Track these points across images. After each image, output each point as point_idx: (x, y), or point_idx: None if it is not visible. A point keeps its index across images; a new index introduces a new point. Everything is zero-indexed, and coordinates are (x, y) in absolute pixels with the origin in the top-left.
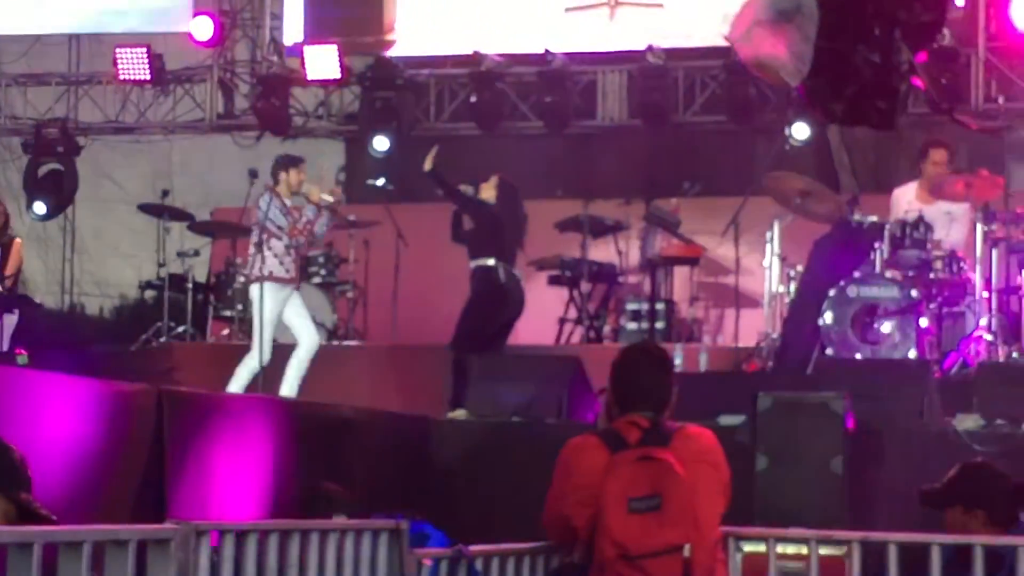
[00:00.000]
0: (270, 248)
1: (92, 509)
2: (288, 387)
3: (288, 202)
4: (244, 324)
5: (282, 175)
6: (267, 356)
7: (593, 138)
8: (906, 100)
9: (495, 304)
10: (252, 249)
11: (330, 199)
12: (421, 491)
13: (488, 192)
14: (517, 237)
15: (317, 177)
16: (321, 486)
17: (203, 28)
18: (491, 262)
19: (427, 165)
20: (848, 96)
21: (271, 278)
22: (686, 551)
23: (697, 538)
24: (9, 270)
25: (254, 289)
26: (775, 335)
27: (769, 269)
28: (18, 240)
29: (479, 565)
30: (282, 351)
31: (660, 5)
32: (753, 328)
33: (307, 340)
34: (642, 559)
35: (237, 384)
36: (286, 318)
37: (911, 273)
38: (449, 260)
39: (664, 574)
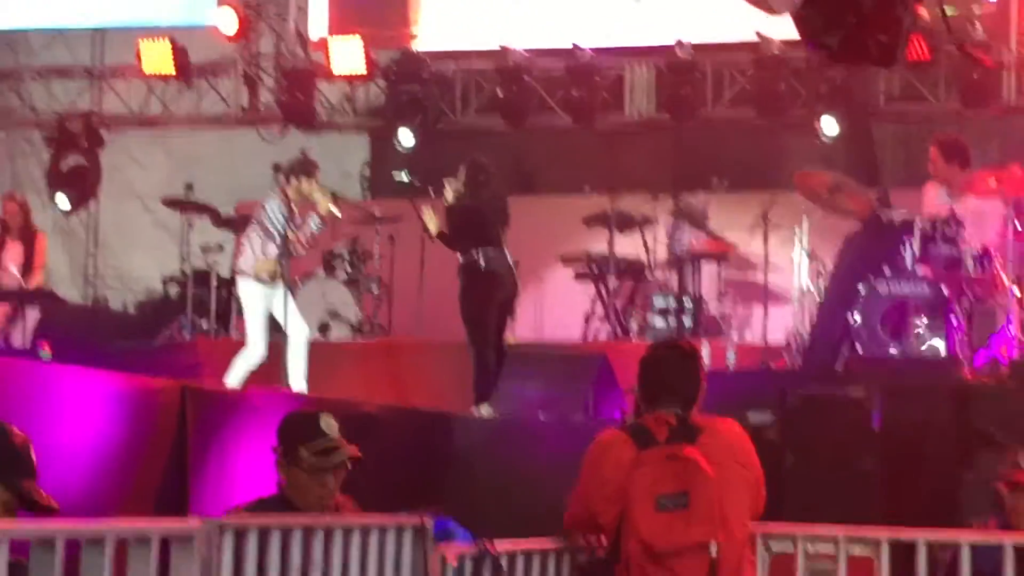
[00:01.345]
0: (263, 249)
1: (115, 504)
2: (296, 382)
3: (295, 207)
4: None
5: (293, 180)
6: (262, 351)
7: (621, 133)
8: (909, 34)
9: (482, 289)
10: (246, 243)
11: (338, 213)
12: (445, 488)
13: (459, 183)
14: (499, 217)
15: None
16: None
17: (228, 21)
18: (472, 254)
19: (433, 230)
20: (845, 27)
21: (256, 277)
22: (713, 550)
23: (724, 536)
24: (33, 265)
25: (240, 283)
26: (804, 332)
27: (798, 265)
28: (42, 235)
29: (504, 563)
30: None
31: None
32: (782, 325)
33: (294, 331)
34: (668, 557)
35: (234, 378)
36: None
37: (942, 270)
38: None
39: (690, 572)
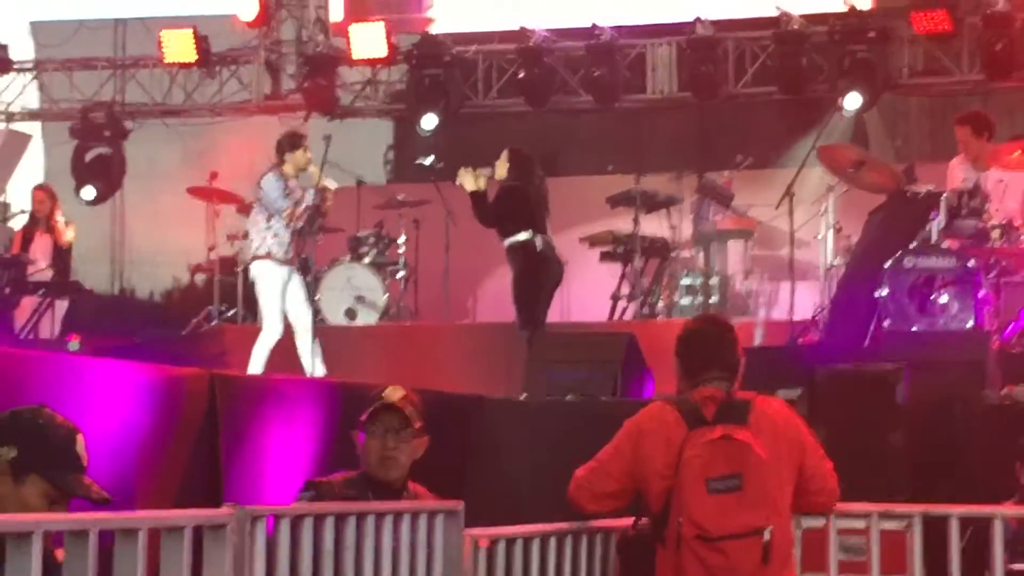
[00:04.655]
0: (269, 228)
1: (146, 495)
2: (313, 369)
3: (292, 183)
4: None
5: (288, 155)
6: (280, 332)
7: (643, 112)
8: None
9: (540, 273)
10: (252, 228)
11: (334, 186)
12: (475, 472)
13: (501, 168)
14: (543, 204)
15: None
16: None
17: (248, 8)
18: (525, 235)
19: (471, 185)
20: None
21: (269, 257)
22: (767, 535)
23: (777, 520)
24: (61, 257)
25: (255, 268)
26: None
27: (824, 241)
28: (70, 226)
29: (536, 545)
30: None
31: None
32: (809, 301)
33: (302, 323)
34: (722, 540)
35: (255, 364)
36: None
37: (968, 243)
38: (497, 239)
39: (744, 557)
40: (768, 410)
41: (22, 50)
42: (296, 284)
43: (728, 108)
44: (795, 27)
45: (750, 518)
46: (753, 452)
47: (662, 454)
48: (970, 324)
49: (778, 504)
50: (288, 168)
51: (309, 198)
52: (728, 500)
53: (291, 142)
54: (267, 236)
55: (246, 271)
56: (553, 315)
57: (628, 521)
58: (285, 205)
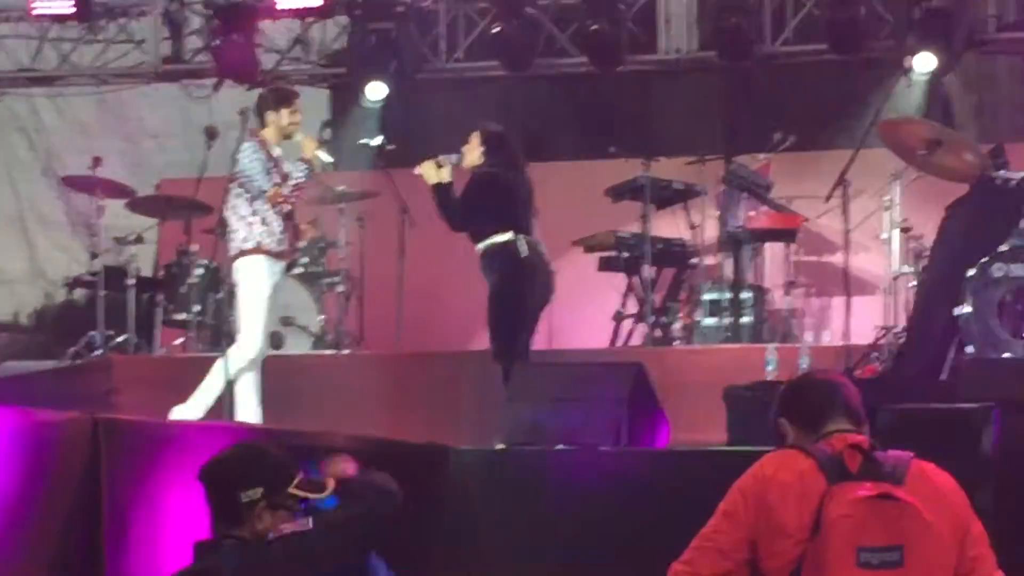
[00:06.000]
0: (256, 213)
1: (13, 566)
2: (252, 411)
3: (276, 152)
4: (203, 330)
5: (270, 115)
6: (262, 347)
7: (654, 77)
8: None
9: (524, 286)
10: (232, 215)
11: (329, 159)
12: (439, 538)
13: (472, 153)
14: (527, 198)
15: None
16: None
17: None
18: (505, 237)
19: (434, 178)
20: None
21: (260, 250)
22: None
23: None
24: None
25: (240, 265)
26: (898, 330)
27: (888, 244)
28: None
29: None
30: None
31: None
32: (869, 321)
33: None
34: None
35: (215, 380)
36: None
37: None
38: (467, 242)
39: None
40: (929, 471)
41: None
42: (280, 290)
43: (764, 72)
44: None
45: None
46: (920, 517)
47: (795, 510)
48: None
49: None
50: (269, 133)
51: (299, 174)
52: None
53: (276, 98)
54: (254, 224)
55: (141, 283)
56: (539, 340)
57: None
58: (267, 183)
